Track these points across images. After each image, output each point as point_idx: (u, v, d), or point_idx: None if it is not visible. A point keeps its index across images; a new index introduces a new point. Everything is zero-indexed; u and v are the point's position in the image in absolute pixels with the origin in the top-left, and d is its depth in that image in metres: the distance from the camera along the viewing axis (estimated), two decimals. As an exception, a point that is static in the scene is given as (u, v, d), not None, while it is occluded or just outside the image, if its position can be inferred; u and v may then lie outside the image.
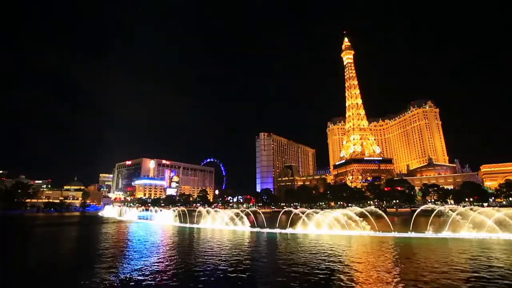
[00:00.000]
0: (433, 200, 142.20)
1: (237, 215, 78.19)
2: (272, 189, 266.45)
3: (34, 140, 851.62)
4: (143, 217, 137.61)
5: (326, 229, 61.81)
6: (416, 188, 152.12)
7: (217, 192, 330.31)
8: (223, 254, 39.58)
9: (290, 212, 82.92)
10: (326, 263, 30.33)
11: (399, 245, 47.47)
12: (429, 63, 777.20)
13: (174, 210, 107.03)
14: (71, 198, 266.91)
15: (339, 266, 29.35)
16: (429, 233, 50.52)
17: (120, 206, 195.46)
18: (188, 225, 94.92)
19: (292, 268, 30.76)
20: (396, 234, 55.80)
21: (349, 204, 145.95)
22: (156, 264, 35.27)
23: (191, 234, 71.06)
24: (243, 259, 36.61)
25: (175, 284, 26.80)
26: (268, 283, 25.63)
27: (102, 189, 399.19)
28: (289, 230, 67.50)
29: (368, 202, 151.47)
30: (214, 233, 69.60)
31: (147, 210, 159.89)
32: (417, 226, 64.49)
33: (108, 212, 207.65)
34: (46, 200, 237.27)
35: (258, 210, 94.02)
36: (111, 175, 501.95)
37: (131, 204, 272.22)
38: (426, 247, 42.99)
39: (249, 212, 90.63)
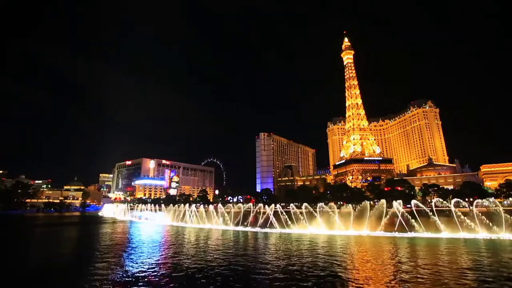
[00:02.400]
0: (433, 200, 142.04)
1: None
2: (272, 189, 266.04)
3: (34, 140, 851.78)
4: (141, 216, 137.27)
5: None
6: (416, 188, 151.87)
7: (217, 192, 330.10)
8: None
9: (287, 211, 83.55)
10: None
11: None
12: (429, 62, 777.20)
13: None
14: (71, 198, 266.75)
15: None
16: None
17: (125, 205, 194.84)
18: (194, 225, 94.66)
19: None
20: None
21: (349, 204, 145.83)
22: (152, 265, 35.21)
23: (186, 234, 70.94)
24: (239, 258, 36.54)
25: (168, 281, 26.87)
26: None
27: (102, 189, 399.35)
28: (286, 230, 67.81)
29: (368, 202, 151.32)
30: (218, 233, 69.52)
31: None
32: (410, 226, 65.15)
33: (109, 212, 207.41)
34: (46, 200, 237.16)
35: (259, 210, 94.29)
36: (111, 175, 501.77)
37: (131, 204, 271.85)
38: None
39: (258, 211, 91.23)
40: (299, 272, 30.64)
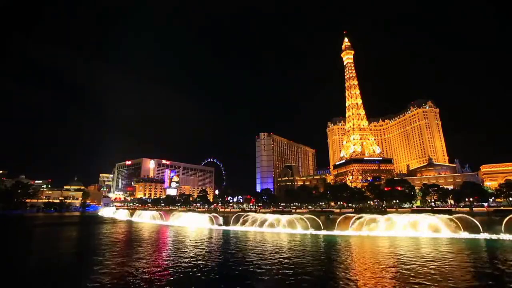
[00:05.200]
0: (433, 200, 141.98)
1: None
2: (272, 189, 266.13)
3: (34, 140, 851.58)
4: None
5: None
6: (416, 188, 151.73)
7: (217, 192, 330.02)
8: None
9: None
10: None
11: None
12: (429, 62, 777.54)
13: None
14: (71, 198, 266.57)
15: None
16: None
17: (126, 210, 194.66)
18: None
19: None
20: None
21: (349, 204, 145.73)
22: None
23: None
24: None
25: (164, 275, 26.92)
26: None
27: (102, 189, 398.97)
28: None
29: (368, 202, 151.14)
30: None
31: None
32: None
33: (109, 212, 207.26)
34: (46, 200, 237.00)
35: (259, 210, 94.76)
36: (111, 175, 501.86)
37: (131, 204, 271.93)
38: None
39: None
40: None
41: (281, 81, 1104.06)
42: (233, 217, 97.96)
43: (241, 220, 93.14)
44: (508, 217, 63.35)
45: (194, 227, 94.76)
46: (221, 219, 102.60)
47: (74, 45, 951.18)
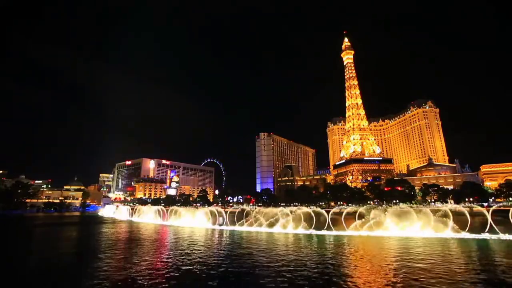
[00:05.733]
0: (433, 200, 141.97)
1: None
2: (272, 189, 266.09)
3: (34, 140, 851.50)
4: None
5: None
6: (416, 188, 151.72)
7: (217, 192, 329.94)
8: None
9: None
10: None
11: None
12: (429, 62, 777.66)
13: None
14: (71, 198, 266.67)
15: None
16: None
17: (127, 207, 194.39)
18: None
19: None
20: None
21: (349, 204, 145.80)
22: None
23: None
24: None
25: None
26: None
27: (102, 189, 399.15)
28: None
29: (368, 202, 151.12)
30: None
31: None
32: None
33: (109, 212, 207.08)
34: (46, 200, 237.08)
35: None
36: (111, 175, 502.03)
37: (131, 204, 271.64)
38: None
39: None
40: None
41: (281, 81, 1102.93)
42: (235, 216, 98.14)
43: (239, 222, 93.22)
44: (491, 209, 64.32)
45: (194, 226, 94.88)
46: (221, 219, 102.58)
47: (74, 45, 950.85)
